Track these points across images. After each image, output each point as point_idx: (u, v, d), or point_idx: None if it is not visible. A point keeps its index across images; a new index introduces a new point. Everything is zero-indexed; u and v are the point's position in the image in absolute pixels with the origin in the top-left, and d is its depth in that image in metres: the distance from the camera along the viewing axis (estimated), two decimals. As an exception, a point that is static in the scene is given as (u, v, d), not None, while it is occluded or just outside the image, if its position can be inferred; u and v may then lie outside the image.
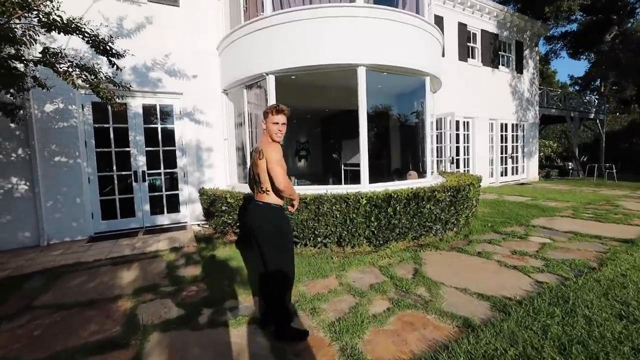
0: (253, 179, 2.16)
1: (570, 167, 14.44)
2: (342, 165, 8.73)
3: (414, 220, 4.14)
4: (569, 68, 36.78)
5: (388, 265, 3.51)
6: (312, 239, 4.01)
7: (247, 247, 4.17)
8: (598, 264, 3.30)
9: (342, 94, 6.96)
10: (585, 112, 14.82)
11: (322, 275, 3.26)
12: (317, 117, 10.93)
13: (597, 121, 15.54)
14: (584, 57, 18.82)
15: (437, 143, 7.98)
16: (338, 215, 3.94)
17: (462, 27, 9.30)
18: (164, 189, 5.51)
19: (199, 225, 5.51)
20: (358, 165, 5.70)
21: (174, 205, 5.58)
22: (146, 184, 5.30)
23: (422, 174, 5.91)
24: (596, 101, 15.85)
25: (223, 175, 5.80)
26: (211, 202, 4.78)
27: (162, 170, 5.45)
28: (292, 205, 2.31)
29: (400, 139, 8.55)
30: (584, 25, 15.48)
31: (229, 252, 4.08)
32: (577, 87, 23.94)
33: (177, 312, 2.58)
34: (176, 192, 5.58)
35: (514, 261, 3.49)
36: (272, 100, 4.66)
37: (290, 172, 9.29)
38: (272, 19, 4.53)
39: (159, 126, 5.43)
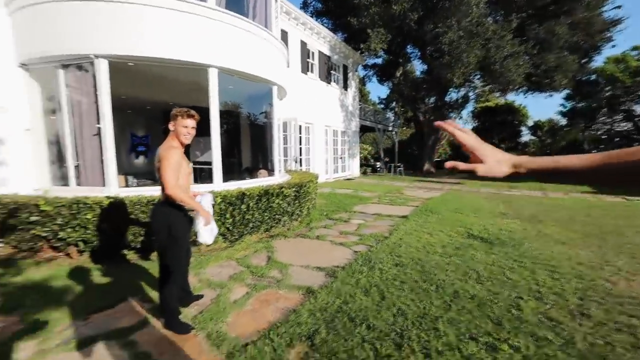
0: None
1: (378, 166, 19.19)
2: (192, 164, 8.32)
3: (266, 214, 4.65)
4: (377, 90, 48.67)
5: (244, 257, 3.84)
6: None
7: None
8: (389, 234, 4.83)
9: (191, 89, 6.68)
10: (386, 125, 20.03)
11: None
12: (159, 109, 9.78)
13: (394, 132, 21.33)
14: (386, 84, 25.30)
15: (283, 144, 8.91)
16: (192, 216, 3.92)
17: (303, 44, 10.69)
18: None
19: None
20: (209, 163, 5.63)
21: None
22: None
23: (270, 172, 6.54)
24: (392, 117, 21.71)
25: (24, 177, 4.43)
26: (9, 213, 3.62)
27: None
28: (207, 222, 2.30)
29: (250, 139, 9.00)
30: (385, 61, 20.86)
31: (48, 271, 3.29)
32: (381, 106, 31.78)
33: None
34: None
35: (341, 239, 4.58)
36: (103, 88, 4.02)
37: (125, 169, 7.98)
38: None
39: None
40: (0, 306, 2.62)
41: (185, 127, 2.18)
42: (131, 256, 3.73)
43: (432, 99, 19.10)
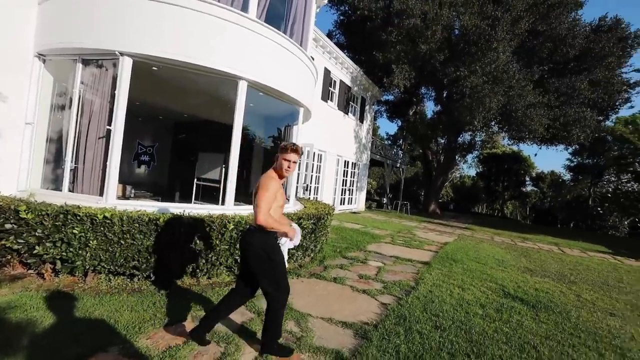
0: None
1: (384, 202, 18.68)
2: (195, 180, 7.82)
3: (280, 246, 4.06)
4: (385, 126, 49.44)
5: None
6: (158, 269, 3.21)
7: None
8: (415, 283, 4.21)
9: (209, 102, 6.35)
10: (395, 160, 19.81)
11: (176, 319, 2.60)
12: (171, 119, 9.48)
13: (401, 169, 21.06)
14: (395, 122, 25.58)
15: (297, 170, 8.46)
16: (198, 242, 3.36)
17: (327, 72, 10.63)
18: None
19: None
20: (214, 181, 5.04)
21: None
22: None
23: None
24: (401, 154, 21.56)
25: (15, 175, 3.91)
26: (-17, 215, 3.05)
27: None
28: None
29: (263, 161, 8.56)
30: (397, 99, 21.17)
31: (10, 295, 2.66)
32: (389, 142, 31.98)
33: None
34: None
35: (363, 285, 3.96)
36: (122, 89, 3.63)
37: (126, 178, 7.47)
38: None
39: None
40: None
41: (287, 160, 2.20)
42: (118, 283, 3.11)
43: (444, 140, 19.06)
